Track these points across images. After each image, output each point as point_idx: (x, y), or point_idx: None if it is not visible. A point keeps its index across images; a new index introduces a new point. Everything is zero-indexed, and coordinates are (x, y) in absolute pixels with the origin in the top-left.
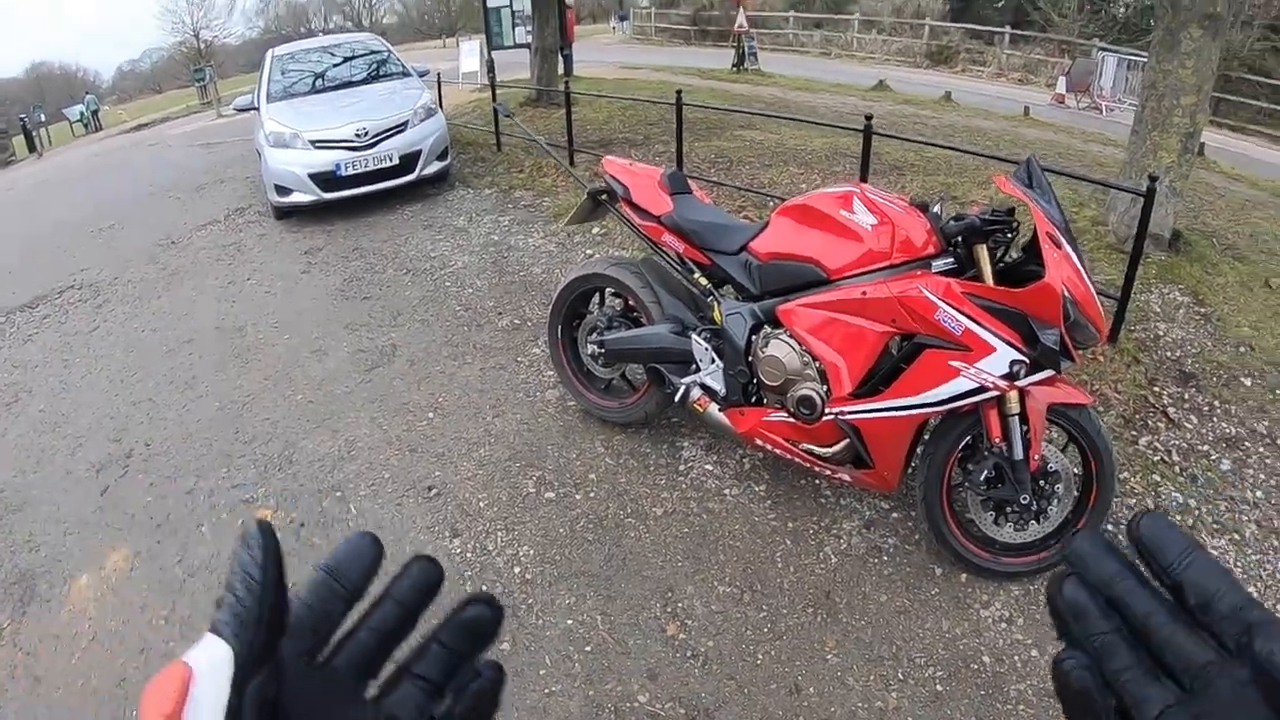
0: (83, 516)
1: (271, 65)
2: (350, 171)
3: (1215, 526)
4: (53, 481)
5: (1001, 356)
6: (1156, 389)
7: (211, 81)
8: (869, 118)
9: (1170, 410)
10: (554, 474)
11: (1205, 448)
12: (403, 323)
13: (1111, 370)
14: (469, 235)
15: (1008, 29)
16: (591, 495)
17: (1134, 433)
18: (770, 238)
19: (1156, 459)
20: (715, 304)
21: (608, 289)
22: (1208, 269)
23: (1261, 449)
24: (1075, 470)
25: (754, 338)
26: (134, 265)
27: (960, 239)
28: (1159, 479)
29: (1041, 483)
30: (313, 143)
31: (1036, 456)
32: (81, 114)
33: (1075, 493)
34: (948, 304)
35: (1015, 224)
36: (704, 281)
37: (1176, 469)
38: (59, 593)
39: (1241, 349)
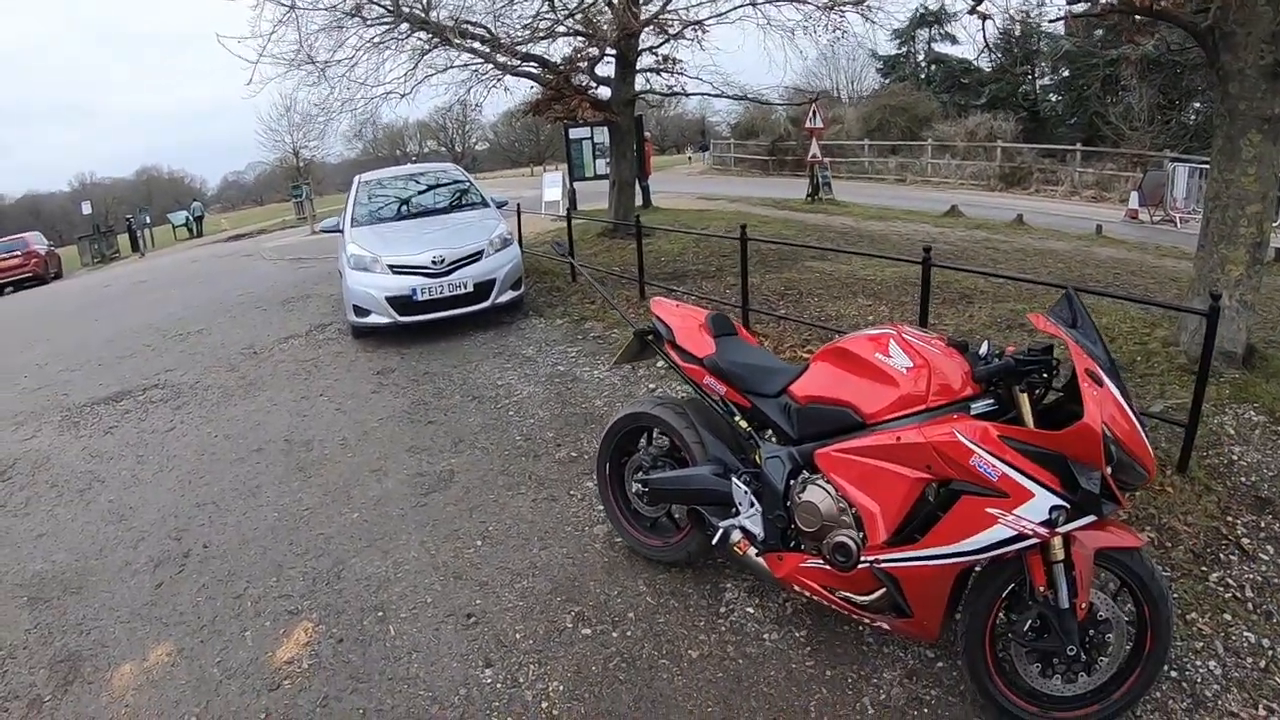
0: (134, 608)
1: (358, 190)
2: (426, 297)
3: None
4: (111, 571)
5: (1040, 503)
6: (1230, 518)
7: (308, 199)
8: (927, 250)
9: (1244, 541)
10: (593, 610)
11: None
12: (463, 449)
13: (1180, 501)
14: (536, 365)
15: (1079, 146)
16: (628, 634)
17: (1204, 568)
18: (808, 381)
19: (1228, 596)
20: (756, 447)
21: (655, 428)
22: None
23: None
24: (1128, 618)
25: (792, 482)
26: (215, 371)
27: (997, 381)
28: (1229, 618)
29: (1091, 632)
30: (391, 267)
31: (1084, 605)
32: (186, 219)
33: (1129, 642)
34: (983, 449)
35: (1055, 362)
36: (744, 425)
37: (1249, 606)
38: (102, 676)
39: None
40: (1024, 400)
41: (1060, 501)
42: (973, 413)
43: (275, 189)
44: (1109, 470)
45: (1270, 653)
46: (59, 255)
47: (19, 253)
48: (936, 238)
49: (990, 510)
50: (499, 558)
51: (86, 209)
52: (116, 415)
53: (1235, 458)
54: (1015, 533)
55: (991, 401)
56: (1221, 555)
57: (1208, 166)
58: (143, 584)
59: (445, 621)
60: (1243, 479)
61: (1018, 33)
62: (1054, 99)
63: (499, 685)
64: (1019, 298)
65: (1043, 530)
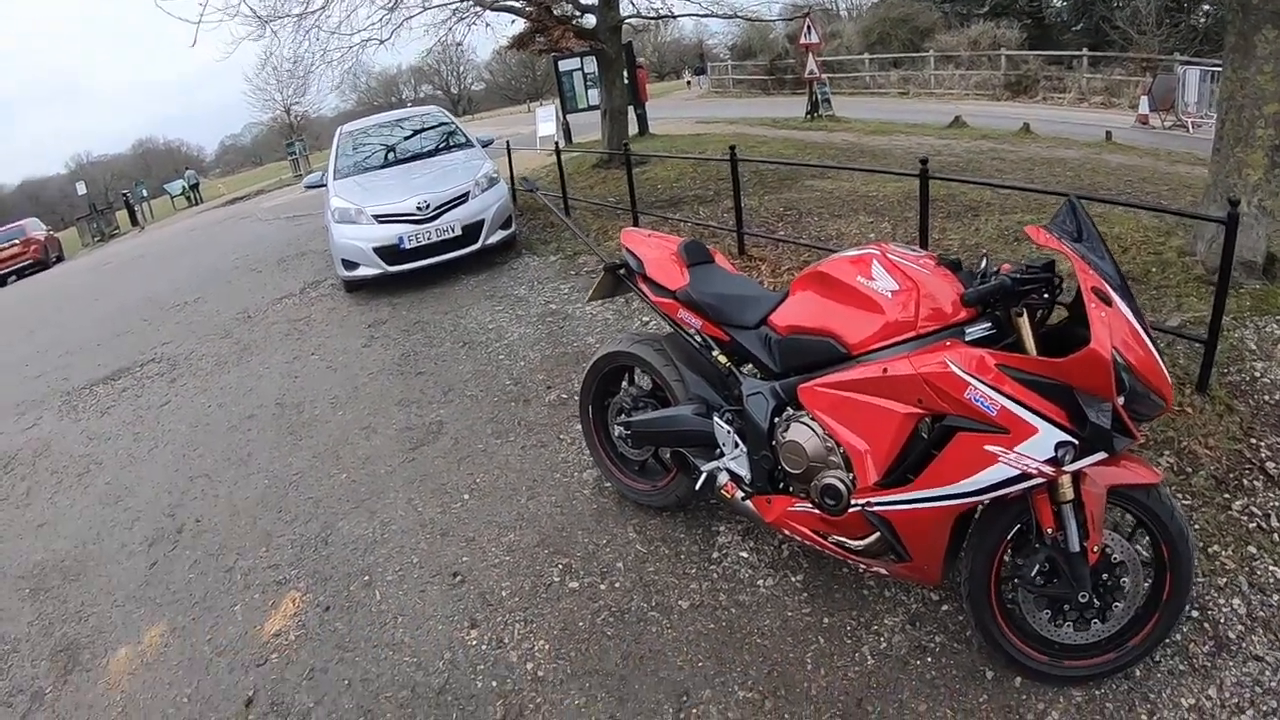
0: (130, 590)
1: (340, 142)
2: (414, 244)
3: None
4: (109, 554)
5: (1045, 439)
6: (1254, 441)
7: (303, 154)
8: (924, 162)
9: (1270, 465)
10: (581, 562)
11: None
12: (452, 399)
13: (1201, 423)
14: (528, 305)
15: (1086, 52)
16: (617, 586)
17: (1227, 495)
18: (789, 310)
19: (1253, 526)
20: (738, 383)
21: (636, 367)
22: None
23: None
24: (1145, 559)
25: (776, 420)
26: (210, 340)
27: (990, 303)
28: (1254, 550)
29: (1104, 576)
30: (376, 217)
31: (1095, 548)
32: (182, 188)
33: (1146, 584)
34: (980, 380)
35: (1057, 280)
36: (723, 360)
37: (1276, 537)
38: (100, 663)
39: None
40: (1024, 324)
41: (1067, 437)
42: (967, 339)
43: (273, 148)
44: (1121, 401)
45: None
46: (58, 239)
47: (17, 241)
48: (940, 150)
49: (989, 448)
50: (486, 511)
51: (82, 189)
52: (114, 394)
53: (1258, 374)
54: (1018, 472)
55: (989, 325)
56: (1245, 481)
57: (1219, 69)
58: (138, 565)
59: (431, 582)
60: (1266, 397)
61: None
62: (1058, 4)
63: (484, 647)
64: (1028, 209)
65: (1048, 469)
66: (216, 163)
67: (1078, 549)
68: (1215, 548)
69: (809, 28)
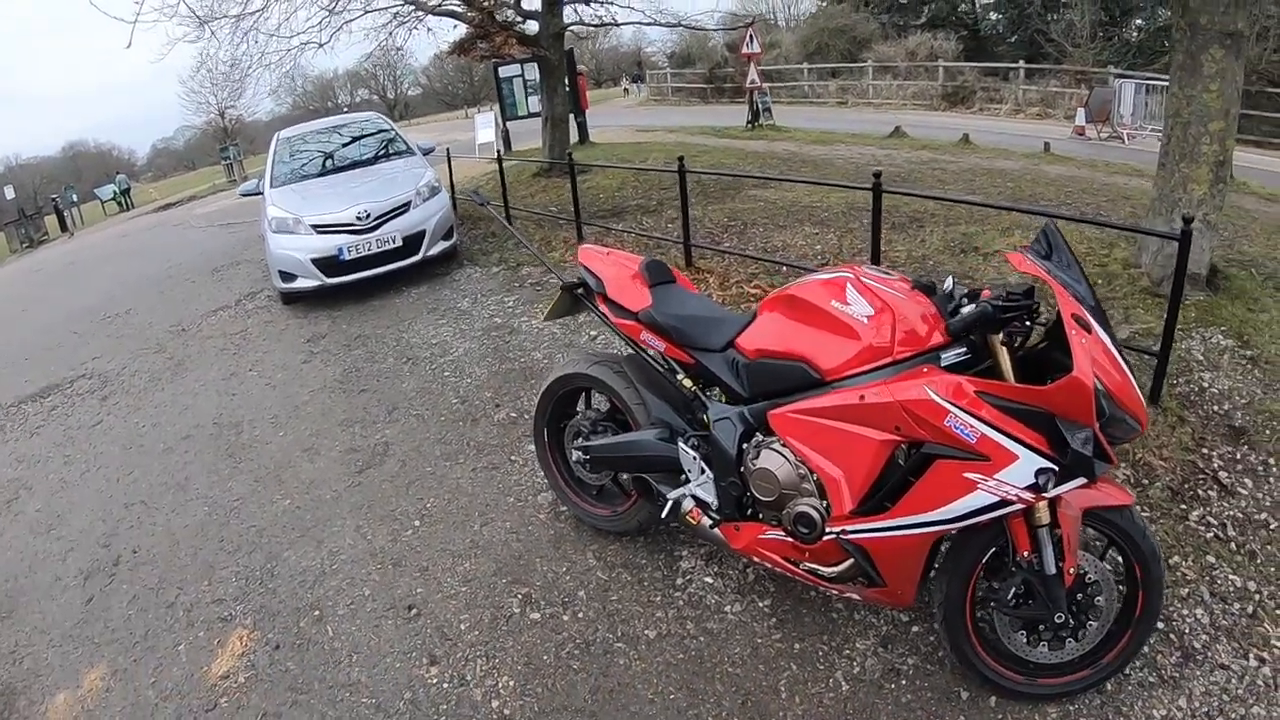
0: (66, 628)
1: (277, 148)
2: (353, 255)
3: (1279, 612)
4: (42, 588)
5: (1025, 465)
6: (1205, 450)
7: (238, 159)
8: (878, 175)
9: (1222, 475)
10: (541, 591)
11: (1263, 515)
12: (398, 418)
13: (1155, 434)
14: (472, 319)
15: (1022, 64)
16: (580, 616)
17: (1183, 506)
18: (757, 332)
19: (1210, 536)
20: (704, 407)
21: (593, 388)
22: (1250, 305)
23: None
24: (1117, 578)
25: (745, 446)
26: (143, 355)
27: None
28: (1213, 560)
29: (1079, 596)
30: (314, 227)
31: (1071, 569)
32: (114, 193)
33: (1118, 602)
34: (958, 407)
35: (1035, 305)
36: (688, 384)
37: (1233, 545)
38: (38, 710)
39: None
40: (1001, 350)
41: (1047, 464)
42: (944, 364)
43: (206, 152)
44: (1098, 426)
45: (1257, 597)
46: None
47: None
48: (882, 160)
49: (969, 475)
50: (439, 538)
51: (10, 193)
52: (43, 413)
53: (1206, 384)
54: (998, 499)
55: (964, 350)
56: (1200, 491)
57: (1153, 83)
58: (73, 600)
59: (385, 616)
60: (1215, 407)
61: None
62: (994, 17)
63: (445, 685)
64: (971, 220)
65: (1028, 495)
66: (148, 166)
67: (1054, 571)
68: (1175, 558)
69: (750, 38)
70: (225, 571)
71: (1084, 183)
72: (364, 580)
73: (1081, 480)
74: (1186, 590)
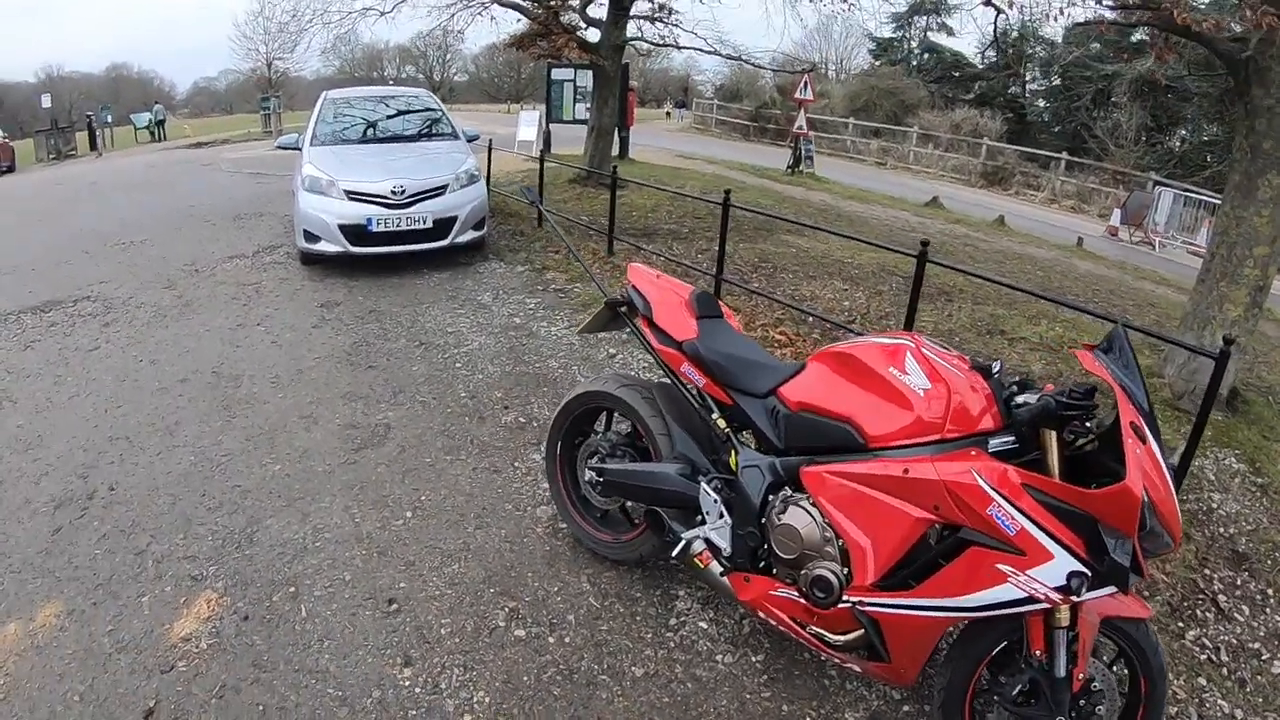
0: (28, 555)
1: (323, 107)
2: (381, 228)
3: None
4: (9, 509)
5: (1059, 566)
6: (1207, 572)
7: (276, 112)
8: (925, 243)
9: (1221, 598)
10: (529, 608)
11: (1256, 645)
12: (403, 401)
13: None
14: (491, 314)
15: (1064, 155)
16: (566, 641)
17: (1180, 624)
18: (804, 385)
19: (1204, 657)
20: (733, 450)
21: (616, 410)
22: (1265, 433)
23: None
24: (1120, 689)
25: (771, 497)
26: (152, 288)
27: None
28: (1204, 682)
29: (1081, 702)
30: (347, 193)
31: (1081, 675)
32: (149, 121)
33: (1116, 714)
34: (1004, 497)
35: (1095, 406)
36: (722, 424)
37: (1224, 671)
38: None
39: None
40: (1052, 445)
41: (1081, 567)
42: (991, 450)
43: (246, 99)
44: (1138, 537)
45: None
46: (12, 148)
47: None
48: (916, 228)
49: (1001, 567)
50: (430, 534)
51: (46, 102)
52: (41, 328)
53: (1214, 505)
54: (1026, 594)
55: (1012, 439)
56: (1198, 612)
57: (1191, 194)
58: (40, 528)
59: (363, 605)
60: (1221, 529)
61: (1015, 34)
62: (1042, 104)
63: (418, 690)
64: (999, 301)
65: (1056, 596)
66: (186, 103)
67: (1063, 674)
68: (1169, 675)
69: (806, 84)
70: (202, 528)
71: (1113, 283)
72: (346, 564)
73: (1112, 589)
74: (1176, 709)
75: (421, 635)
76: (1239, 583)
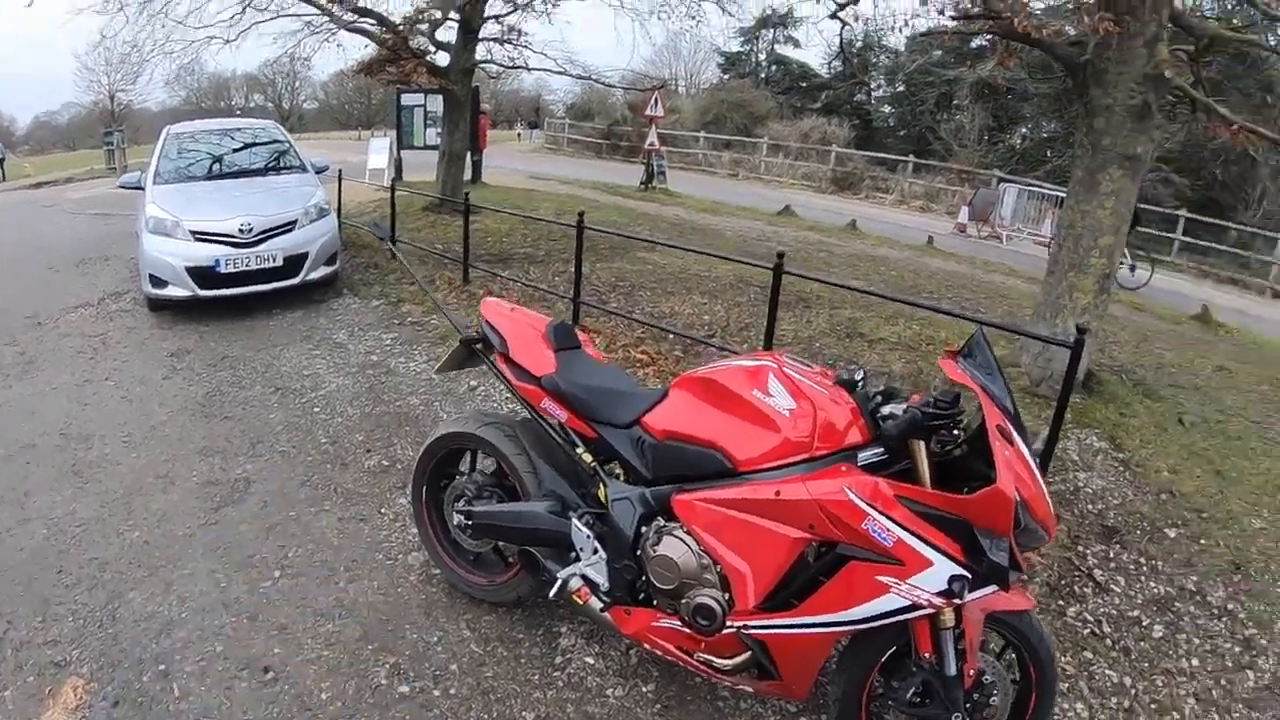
0: None
1: (165, 143)
2: (230, 269)
3: (1154, 707)
4: None
5: (939, 572)
6: (1080, 549)
7: (120, 147)
8: (781, 255)
9: (1096, 573)
10: (410, 662)
11: (1136, 613)
12: (261, 452)
13: None
14: (348, 353)
15: (911, 158)
16: (452, 692)
17: (1061, 602)
18: (668, 412)
19: (1087, 632)
20: (602, 484)
21: (480, 450)
22: (1121, 409)
23: (1192, 608)
24: (1012, 678)
25: (644, 529)
26: None
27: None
28: (1091, 656)
29: (975, 696)
30: (193, 233)
31: (971, 671)
32: None
33: (1009, 702)
34: (877, 510)
35: (960, 414)
36: (588, 458)
37: (1108, 642)
38: None
39: (1162, 496)
40: (921, 454)
41: (961, 571)
42: (860, 463)
43: (89, 134)
44: (1014, 536)
45: (1133, 692)
46: None
47: None
48: (770, 237)
49: (882, 578)
50: (300, 593)
51: None
52: None
53: (1081, 484)
54: (909, 602)
55: (881, 450)
56: (1076, 588)
57: (1033, 189)
58: None
59: (238, 677)
60: (1089, 506)
61: (860, 44)
62: (887, 110)
63: None
64: (856, 305)
65: (939, 601)
66: (27, 138)
67: (954, 673)
68: (1056, 656)
69: (656, 100)
70: (61, 609)
71: (964, 279)
72: (216, 634)
73: (993, 588)
74: (1067, 685)
75: (302, 703)
76: (1112, 555)
